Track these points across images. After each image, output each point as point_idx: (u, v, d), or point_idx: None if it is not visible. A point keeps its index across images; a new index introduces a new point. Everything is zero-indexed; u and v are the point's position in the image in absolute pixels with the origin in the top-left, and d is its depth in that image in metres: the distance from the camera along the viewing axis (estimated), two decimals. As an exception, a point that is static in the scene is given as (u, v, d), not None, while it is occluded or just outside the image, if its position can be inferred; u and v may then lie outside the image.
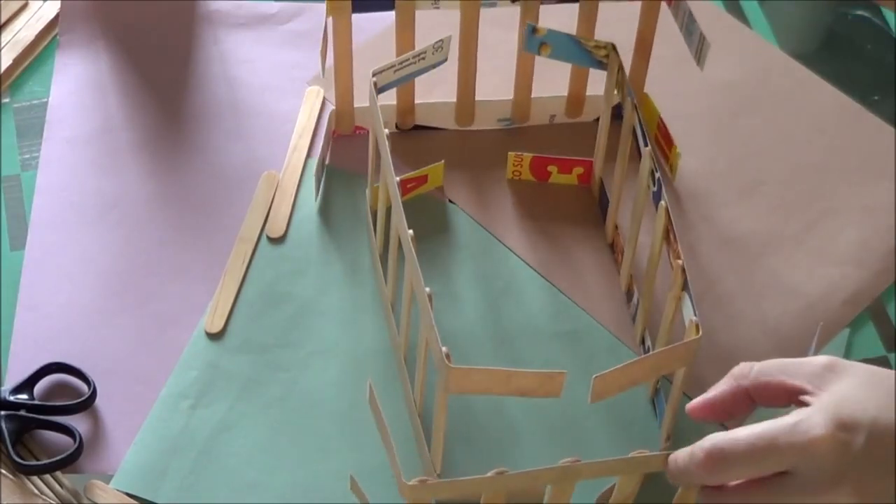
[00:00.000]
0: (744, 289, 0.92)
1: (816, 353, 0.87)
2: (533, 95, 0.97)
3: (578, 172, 0.96)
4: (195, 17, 1.04)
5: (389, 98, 0.95)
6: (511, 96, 0.97)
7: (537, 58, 0.93)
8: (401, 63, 0.85)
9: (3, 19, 1.02)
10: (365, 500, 0.80)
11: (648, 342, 0.87)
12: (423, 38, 0.89)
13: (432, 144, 0.97)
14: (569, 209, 0.96)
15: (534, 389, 0.72)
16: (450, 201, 0.95)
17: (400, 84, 0.87)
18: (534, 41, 0.89)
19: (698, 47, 0.85)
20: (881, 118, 1.01)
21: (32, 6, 1.04)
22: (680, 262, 0.78)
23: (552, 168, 0.96)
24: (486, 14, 0.91)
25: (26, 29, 1.02)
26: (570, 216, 0.95)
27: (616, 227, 0.92)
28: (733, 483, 0.70)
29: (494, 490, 0.71)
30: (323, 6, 1.05)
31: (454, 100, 0.97)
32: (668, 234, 0.81)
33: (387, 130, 0.82)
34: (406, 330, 0.83)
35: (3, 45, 1.01)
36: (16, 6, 1.03)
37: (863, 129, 1.01)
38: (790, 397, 0.70)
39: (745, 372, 0.72)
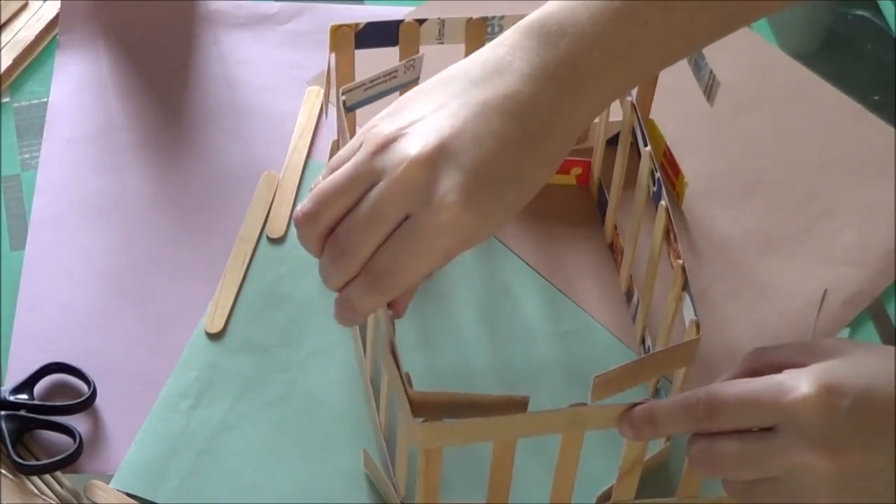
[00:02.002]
0: (743, 288, 0.92)
1: (819, 319, 0.88)
2: None
3: (577, 173, 0.96)
4: (195, 17, 1.04)
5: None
6: None
7: None
8: (371, 81, 0.84)
9: (3, 19, 1.02)
10: (378, 472, 0.80)
11: (649, 342, 0.87)
12: (427, 71, 0.89)
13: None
14: (568, 209, 0.96)
15: (498, 412, 0.71)
16: (450, 201, 0.95)
17: (370, 102, 0.85)
18: None
19: (708, 83, 0.85)
20: (881, 118, 1.01)
21: (32, 6, 1.04)
22: (680, 261, 0.78)
23: None
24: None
25: (26, 29, 1.03)
26: (569, 216, 0.95)
27: (615, 227, 0.92)
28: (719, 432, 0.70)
29: (504, 433, 0.71)
30: (323, 6, 1.05)
31: None
32: (668, 234, 0.81)
33: None
34: (372, 352, 0.83)
35: (3, 45, 1.01)
36: (16, 6, 1.03)
37: (863, 129, 1.01)
38: None
39: (757, 356, 0.72)
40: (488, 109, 0.70)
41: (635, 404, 0.71)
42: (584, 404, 0.71)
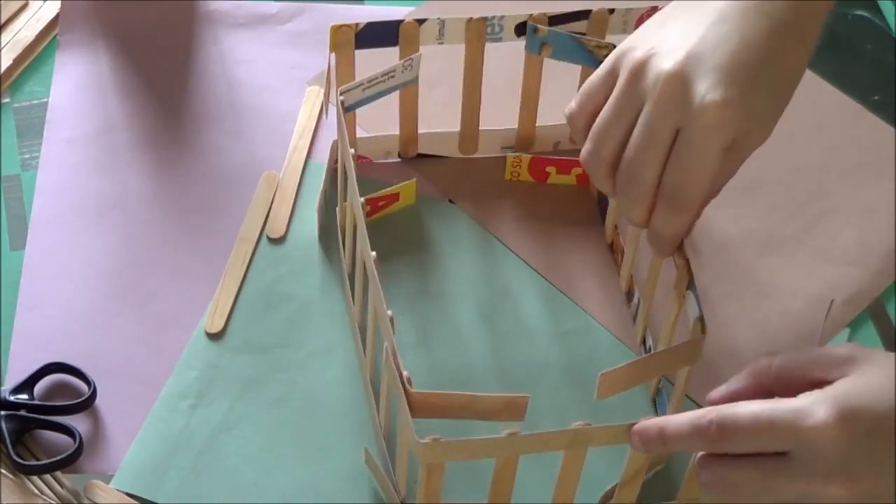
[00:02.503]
0: (744, 289, 0.92)
1: (825, 330, 0.87)
2: (537, 124, 0.96)
3: (577, 173, 0.96)
4: (195, 17, 1.04)
5: (393, 128, 0.95)
6: (515, 124, 0.96)
7: (542, 87, 0.92)
8: (370, 81, 0.84)
9: (3, 19, 1.02)
10: (379, 471, 0.80)
11: (650, 342, 0.87)
12: (427, 71, 0.89)
13: (436, 170, 0.97)
14: (568, 209, 0.96)
15: (497, 413, 0.72)
16: (450, 201, 0.95)
17: (368, 102, 0.86)
18: (535, 41, 0.89)
19: None
20: (881, 118, 1.01)
21: (32, 6, 1.04)
22: (685, 260, 0.78)
23: (551, 169, 0.96)
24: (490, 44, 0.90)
25: (26, 29, 1.02)
26: (569, 216, 0.95)
27: (616, 227, 0.92)
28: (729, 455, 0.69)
29: (506, 451, 0.71)
30: (323, 6, 1.05)
31: (458, 129, 0.96)
32: None
33: (352, 150, 0.81)
34: (371, 352, 0.83)
35: (3, 45, 1.01)
36: (16, 6, 1.03)
37: (863, 129, 1.01)
38: (811, 389, 0.69)
39: (765, 368, 0.71)
40: (729, 11, 0.74)
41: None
42: (588, 425, 0.71)
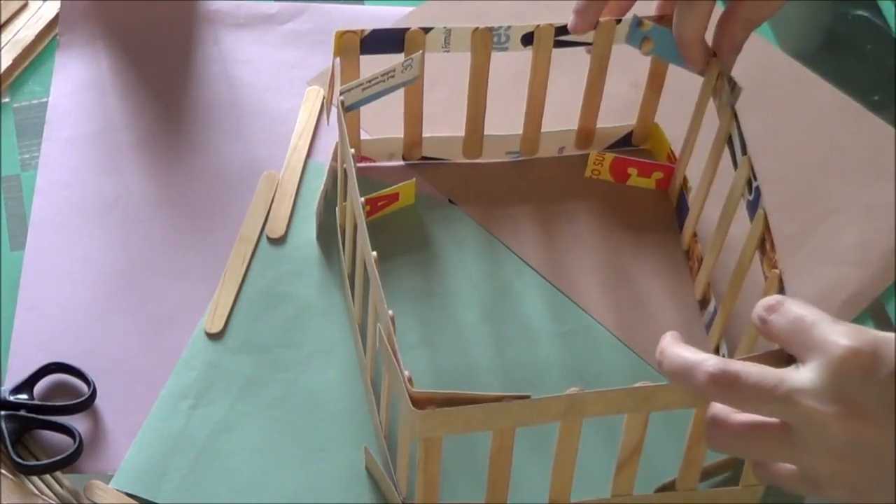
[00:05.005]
0: (744, 289, 0.92)
1: None
2: (542, 130, 0.96)
3: (658, 177, 0.95)
4: (195, 17, 1.04)
5: (397, 130, 0.95)
6: (519, 129, 0.96)
7: (547, 92, 0.92)
8: (369, 81, 0.84)
9: (3, 19, 1.02)
10: (379, 471, 0.80)
11: (724, 350, 0.87)
12: (427, 71, 0.89)
13: (439, 174, 0.97)
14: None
15: None
16: (450, 201, 0.95)
17: (368, 102, 0.86)
18: (637, 34, 0.88)
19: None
20: (881, 118, 1.01)
21: (32, 6, 1.04)
22: (777, 271, 0.78)
23: (632, 170, 0.95)
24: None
25: (26, 29, 1.02)
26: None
27: (695, 234, 0.92)
28: (736, 422, 0.69)
29: (503, 421, 0.71)
30: (323, 6, 1.05)
31: (462, 133, 0.95)
32: (763, 243, 0.80)
33: (352, 150, 0.81)
34: (372, 352, 0.83)
35: (3, 45, 1.01)
36: (16, 6, 1.03)
37: (863, 129, 1.01)
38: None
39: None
40: None
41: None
42: (582, 390, 0.71)
